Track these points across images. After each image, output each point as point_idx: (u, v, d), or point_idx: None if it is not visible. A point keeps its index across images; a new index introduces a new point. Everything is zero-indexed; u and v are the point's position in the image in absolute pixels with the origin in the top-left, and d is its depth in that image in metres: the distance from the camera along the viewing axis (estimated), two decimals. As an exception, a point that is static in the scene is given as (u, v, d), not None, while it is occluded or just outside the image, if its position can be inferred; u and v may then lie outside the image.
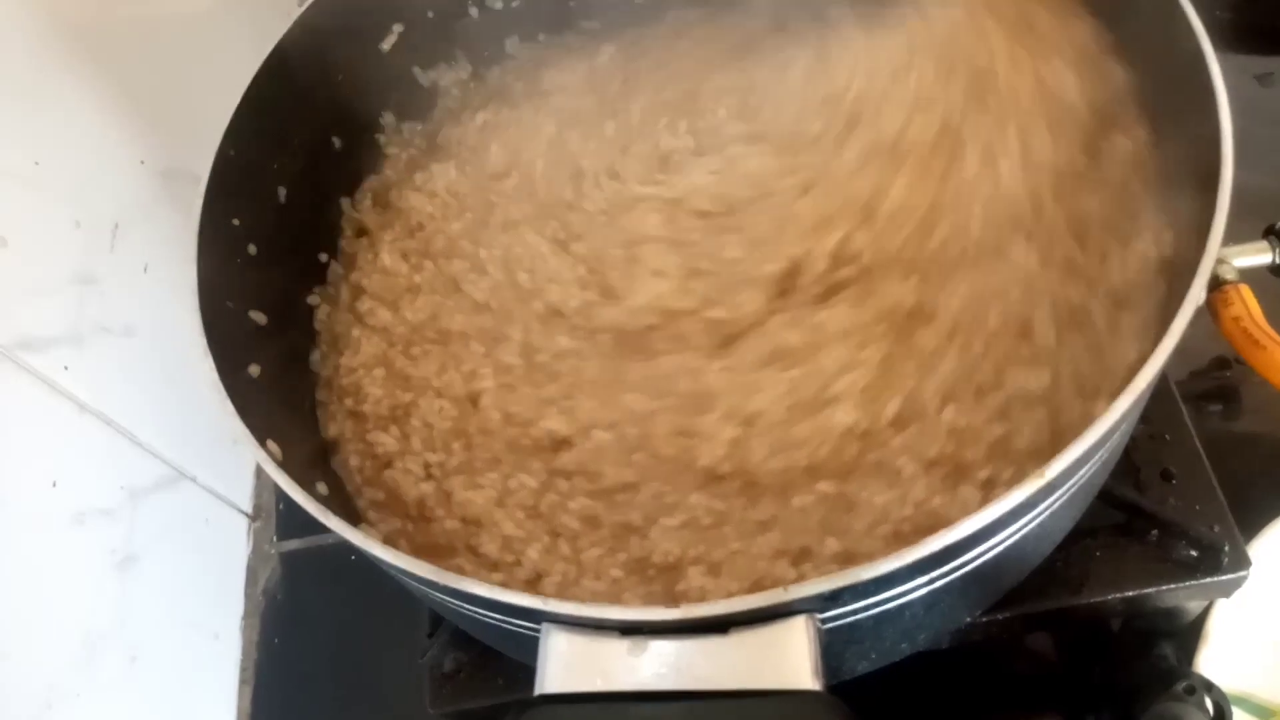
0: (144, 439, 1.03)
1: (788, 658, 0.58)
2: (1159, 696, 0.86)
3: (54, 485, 0.92)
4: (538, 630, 0.61)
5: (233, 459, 1.04)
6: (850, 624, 0.63)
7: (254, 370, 0.79)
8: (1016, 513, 0.60)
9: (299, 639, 1.15)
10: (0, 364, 0.88)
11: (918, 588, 0.63)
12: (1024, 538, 0.66)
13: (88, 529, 0.96)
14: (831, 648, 0.60)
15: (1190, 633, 0.91)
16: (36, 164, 0.93)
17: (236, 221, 0.83)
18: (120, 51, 1.01)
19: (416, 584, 0.68)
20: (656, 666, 0.59)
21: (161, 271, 1.03)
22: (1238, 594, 0.88)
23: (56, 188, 0.96)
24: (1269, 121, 1.10)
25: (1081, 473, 0.66)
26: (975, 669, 0.93)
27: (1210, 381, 1.05)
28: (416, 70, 1.02)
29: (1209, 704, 0.86)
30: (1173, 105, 0.76)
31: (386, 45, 0.98)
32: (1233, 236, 0.81)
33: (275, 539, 1.20)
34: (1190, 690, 0.86)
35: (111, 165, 1.03)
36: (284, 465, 0.70)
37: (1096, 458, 0.67)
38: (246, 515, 1.20)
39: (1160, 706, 0.86)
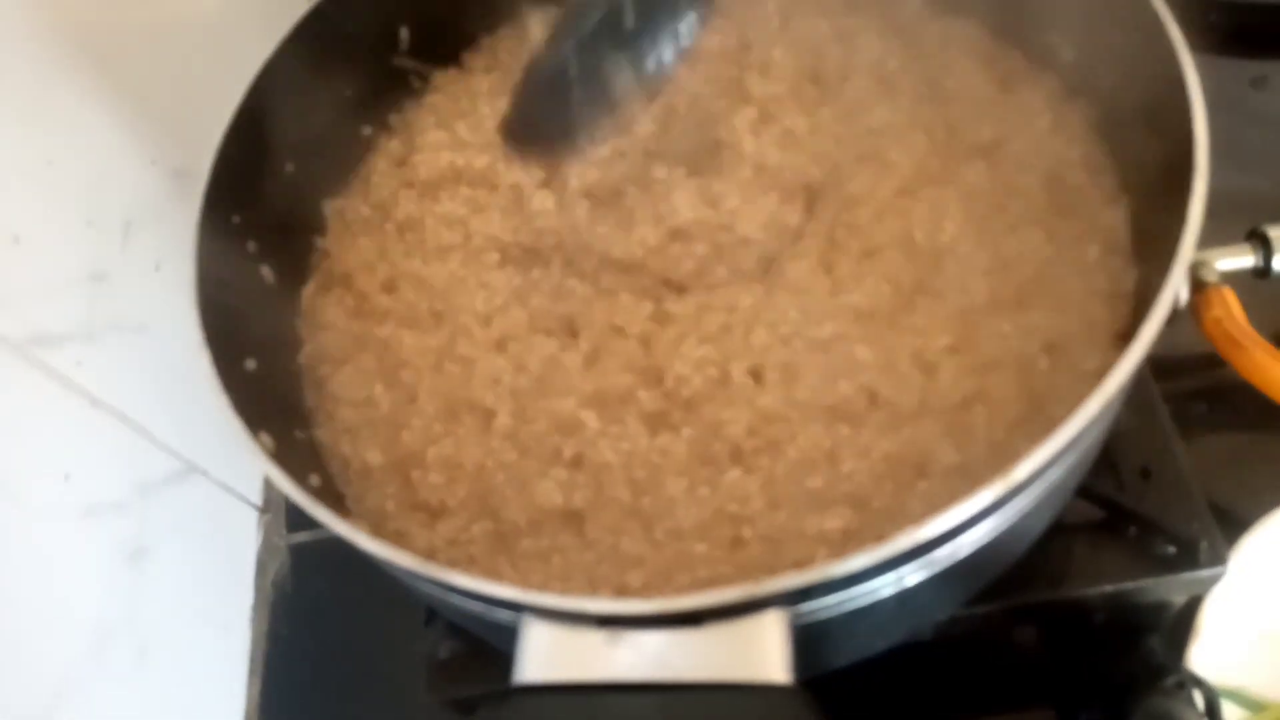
0: (156, 433, 1.04)
1: (758, 652, 0.59)
2: (1149, 692, 0.87)
3: (66, 479, 0.93)
4: (517, 620, 0.62)
5: (243, 453, 1.05)
6: (823, 619, 0.64)
7: (250, 364, 0.81)
8: (987, 511, 0.61)
9: (308, 630, 1.16)
10: (14, 360, 0.89)
11: (889, 584, 0.64)
12: (998, 536, 0.67)
13: (99, 522, 0.97)
14: (805, 642, 0.61)
15: (1180, 627, 0.92)
16: (49, 163, 0.94)
17: (237, 219, 0.85)
18: (131, 54, 1.02)
19: (404, 574, 0.69)
20: (632, 658, 0.60)
21: (172, 269, 1.03)
22: (1228, 589, 0.89)
23: (68, 187, 0.97)
24: (1262, 124, 1.11)
25: (1052, 472, 0.66)
26: (961, 663, 0.94)
27: (1194, 381, 1.06)
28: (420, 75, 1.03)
29: (1199, 699, 0.87)
30: (1150, 109, 0.77)
31: (392, 48, 1.00)
32: (1222, 238, 0.82)
33: (285, 531, 1.21)
34: (1180, 685, 0.87)
35: (123, 165, 1.03)
36: (277, 457, 0.72)
37: (1068, 458, 0.67)
38: (256, 508, 1.21)
39: (1150, 702, 0.86)
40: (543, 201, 0.90)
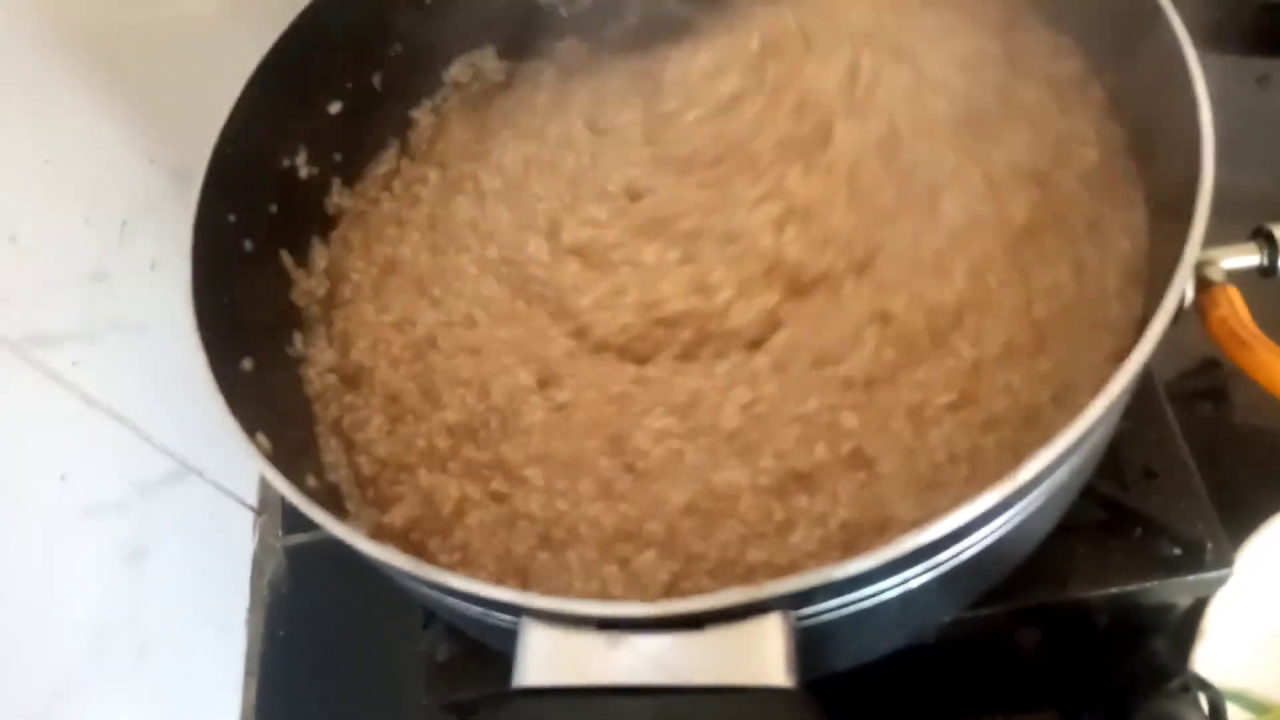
0: (153, 434, 1.04)
1: (760, 655, 0.58)
2: (1153, 694, 0.86)
3: (64, 479, 0.93)
4: (517, 623, 0.62)
5: (239, 454, 1.05)
6: (826, 622, 0.63)
7: (247, 364, 0.81)
8: (991, 514, 0.60)
9: (304, 632, 1.16)
10: (11, 359, 0.89)
11: (892, 587, 0.63)
12: (1001, 537, 0.66)
13: (97, 523, 0.97)
14: (807, 645, 0.60)
15: (1185, 629, 0.91)
16: (47, 162, 0.94)
17: (233, 218, 0.85)
18: (130, 52, 1.02)
19: (401, 576, 0.69)
20: (633, 661, 0.59)
21: (170, 269, 1.03)
22: (1233, 591, 0.89)
23: (67, 185, 0.97)
24: (1266, 123, 1.10)
25: (1057, 475, 0.66)
26: (964, 665, 0.93)
27: (1200, 381, 1.05)
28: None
29: (1204, 701, 0.86)
30: (1154, 109, 0.76)
31: (385, 48, 1.00)
32: (1227, 237, 0.81)
33: (281, 533, 1.21)
34: (1185, 688, 0.86)
35: (121, 164, 1.03)
36: (274, 458, 0.71)
37: (1072, 460, 0.67)
38: (253, 510, 1.21)
39: (1154, 704, 0.86)
40: (538, 248, 0.90)
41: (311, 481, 0.79)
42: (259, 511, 1.22)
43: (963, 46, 0.91)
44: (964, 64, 0.90)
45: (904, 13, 0.93)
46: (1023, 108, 0.88)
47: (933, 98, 0.88)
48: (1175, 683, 0.86)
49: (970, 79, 0.89)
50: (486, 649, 0.84)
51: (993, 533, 0.64)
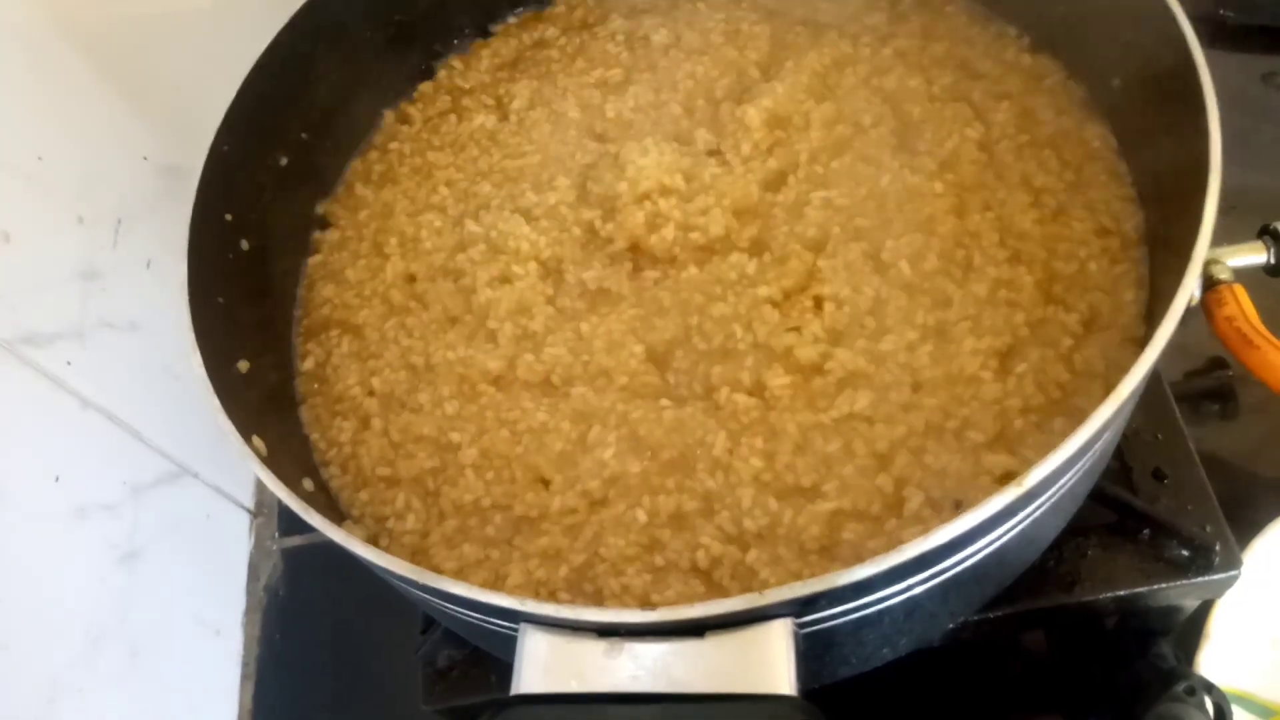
0: (146, 435, 1.03)
1: (763, 662, 0.58)
2: (1160, 697, 0.86)
3: (56, 480, 0.93)
4: (516, 629, 0.61)
5: (235, 455, 1.05)
6: (829, 629, 0.63)
7: (243, 365, 0.80)
8: (995, 520, 0.59)
9: (301, 635, 1.16)
10: (3, 359, 0.88)
11: (896, 594, 0.63)
12: (1007, 543, 0.65)
13: (90, 524, 0.96)
14: (810, 652, 0.60)
15: (1190, 632, 0.91)
16: (40, 159, 0.94)
17: (229, 217, 0.84)
18: (124, 49, 1.01)
19: (399, 582, 0.68)
20: (632, 669, 0.59)
21: (164, 267, 1.04)
22: (1238, 594, 0.88)
23: (60, 183, 0.96)
24: (1274, 121, 1.09)
25: (1065, 479, 0.65)
26: (971, 668, 0.93)
27: (1207, 382, 1.04)
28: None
29: (1209, 704, 0.86)
30: (1162, 109, 0.76)
31: (381, 44, 0.99)
32: (1234, 235, 0.81)
33: (277, 535, 1.21)
34: (1191, 691, 0.86)
35: (115, 161, 1.03)
36: (269, 461, 0.70)
37: (1080, 465, 0.66)
38: (249, 511, 1.21)
39: (1161, 707, 0.85)
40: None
41: (308, 484, 0.79)
42: (255, 513, 1.21)
43: None
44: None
45: None
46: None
47: None
48: (1181, 686, 0.86)
49: None
50: (486, 654, 0.84)
51: (1000, 537, 0.64)
